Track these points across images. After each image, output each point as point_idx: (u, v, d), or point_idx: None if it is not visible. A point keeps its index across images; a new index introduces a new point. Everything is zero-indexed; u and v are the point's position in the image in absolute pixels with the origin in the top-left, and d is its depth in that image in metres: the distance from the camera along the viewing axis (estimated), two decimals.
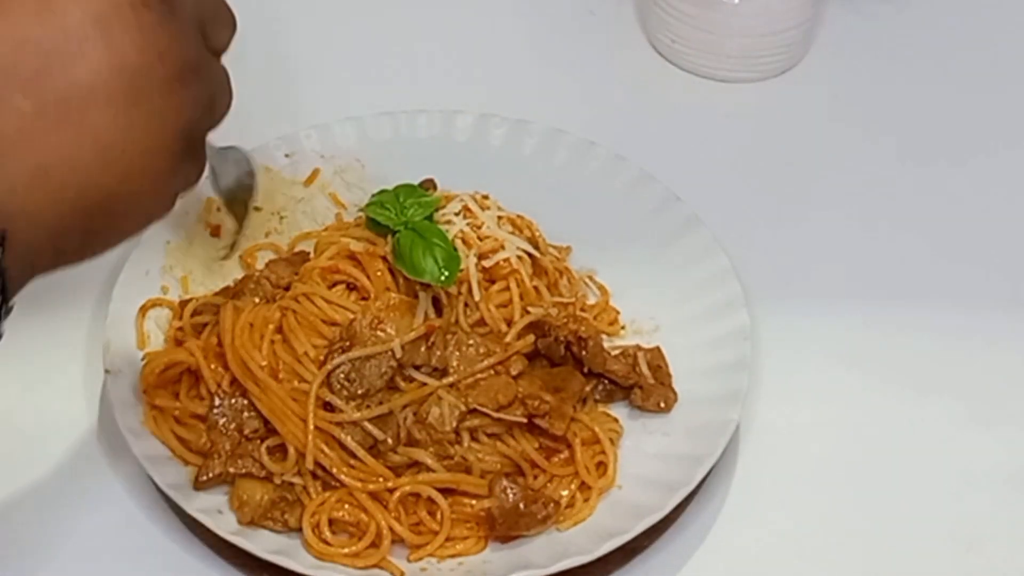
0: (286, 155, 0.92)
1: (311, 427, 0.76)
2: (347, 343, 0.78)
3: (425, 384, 0.78)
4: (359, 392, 0.77)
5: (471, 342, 0.79)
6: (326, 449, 0.76)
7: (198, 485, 0.76)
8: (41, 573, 0.77)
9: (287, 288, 0.83)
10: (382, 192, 0.85)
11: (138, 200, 0.59)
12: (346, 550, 0.75)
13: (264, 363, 0.78)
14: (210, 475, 0.76)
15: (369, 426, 0.76)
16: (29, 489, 0.79)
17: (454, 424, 0.77)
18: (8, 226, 0.54)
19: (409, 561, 0.75)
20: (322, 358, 0.78)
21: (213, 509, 0.76)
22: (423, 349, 0.78)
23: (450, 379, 0.78)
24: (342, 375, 0.77)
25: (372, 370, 0.77)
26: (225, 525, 0.75)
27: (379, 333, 0.78)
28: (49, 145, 0.55)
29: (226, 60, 1.09)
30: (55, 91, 0.55)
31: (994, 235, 0.95)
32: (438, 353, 0.79)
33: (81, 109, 0.55)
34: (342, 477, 0.76)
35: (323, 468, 0.76)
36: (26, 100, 0.54)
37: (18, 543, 0.78)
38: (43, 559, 0.77)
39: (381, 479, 0.76)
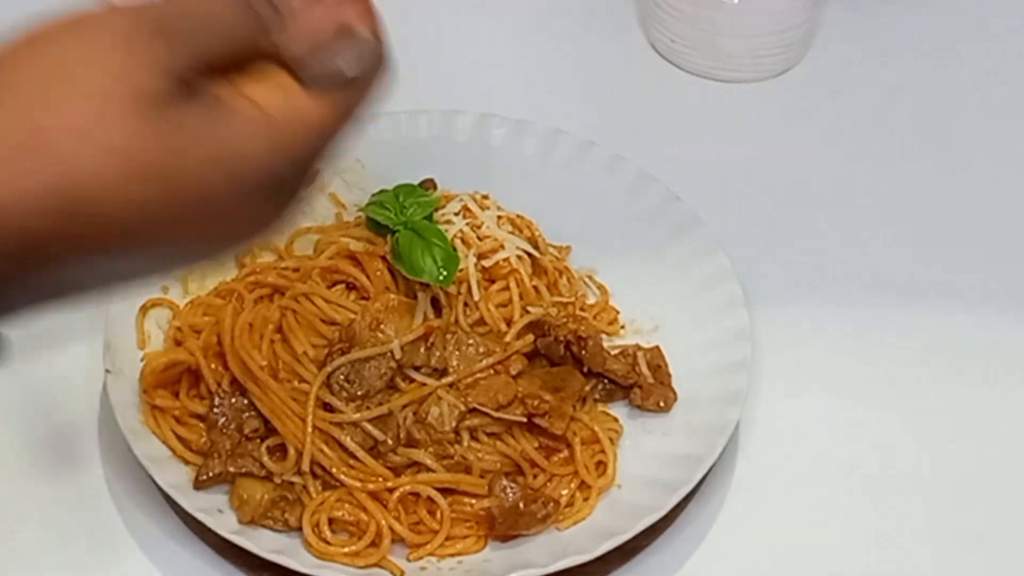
0: None
1: (310, 428, 0.76)
2: (346, 345, 0.78)
3: (425, 384, 0.78)
4: (359, 393, 0.77)
5: (471, 342, 0.79)
6: (326, 449, 0.76)
7: (198, 484, 0.76)
8: (41, 572, 0.77)
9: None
10: (382, 192, 0.85)
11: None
12: (346, 549, 0.75)
13: (264, 363, 0.78)
14: (210, 474, 0.76)
15: (369, 427, 0.76)
16: (29, 489, 0.79)
17: (454, 424, 0.77)
18: None
19: (409, 560, 0.75)
20: (322, 358, 0.78)
21: (213, 508, 0.76)
22: (422, 350, 0.78)
23: (449, 379, 0.78)
24: (342, 376, 0.77)
25: (372, 371, 0.77)
26: (225, 524, 0.75)
27: (378, 334, 0.78)
28: None
29: None
30: None
31: (995, 234, 0.95)
32: (437, 354, 0.79)
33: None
34: (341, 477, 0.76)
35: (323, 468, 0.76)
36: None
37: (18, 542, 0.78)
38: (43, 558, 0.77)
39: (381, 479, 0.76)
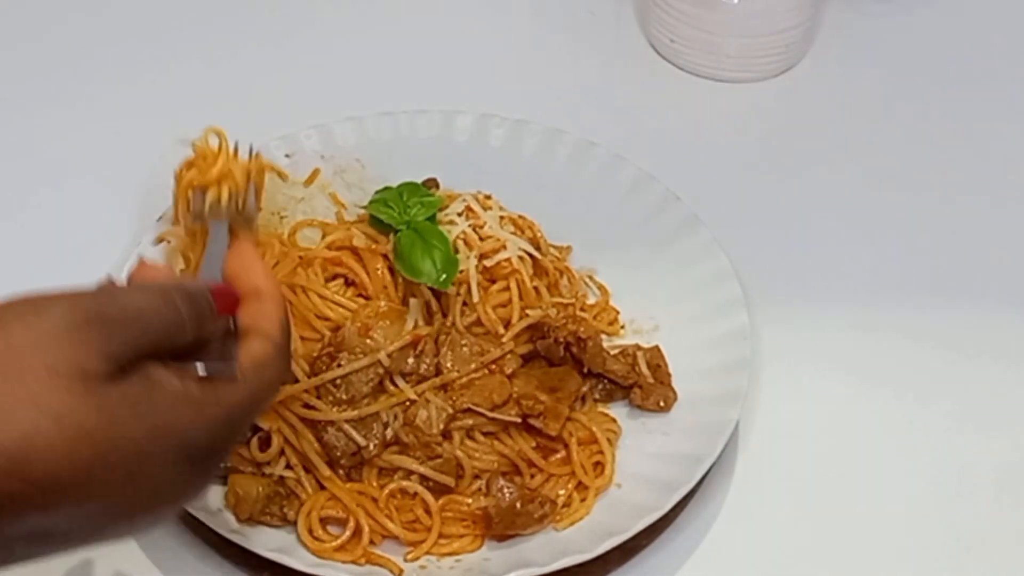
0: (286, 155, 0.92)
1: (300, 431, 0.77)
2: (334, 350, 0.77)
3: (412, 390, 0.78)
4: (344, 398, 0.76)
5: (464, 343, 0.79)
6: (310, 452, 0.76)
7: None
8: (40, 573, 0.77)
9: None
10: (386, 190, 0.85)
11: None
12: (334, 543, 0.74)
13: None
14: None
15: (353, 432, 0.76)
16: None
17: (441, 427, 0.77)
18: None
19: (407, 560, 0.75)
20: (311, 353, 0.78)
21: (213, 507, 0.75)
22: (411, 359, 0.78)
23: (439, 380, 0.78)
24: (329, 382, 0.77)
25: (359, 377, 0.77)
26: (225, 523, 0.75)
27: (367, 341, 0.77)
28: None
29: (225, 62, 1.10)
30: None
31: (995, 236, 0.95)
32: (427, 361, 0.78)
33: None
34: (326, 482, 0.76)
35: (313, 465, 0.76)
36: None
37: None
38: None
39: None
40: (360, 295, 0.81)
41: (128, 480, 0.53)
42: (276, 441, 0.76)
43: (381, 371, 0.77)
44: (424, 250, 0.80)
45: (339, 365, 0.77)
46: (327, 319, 0.79)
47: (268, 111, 0.99)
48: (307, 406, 0.77)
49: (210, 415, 0.56)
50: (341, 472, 0.77)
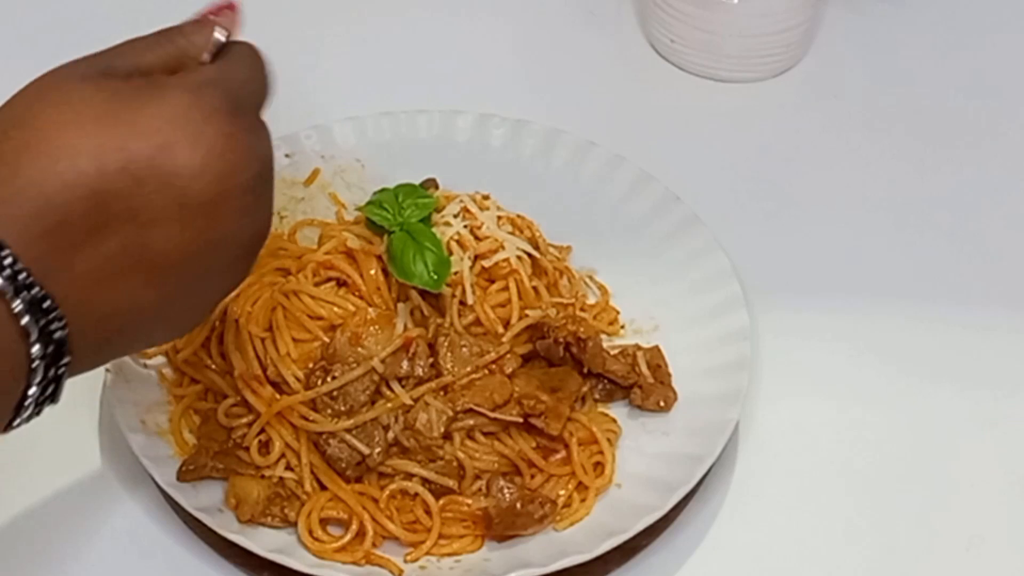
0: (286, 155, 0.92)
1: (304, 443, 0.77)
2: (327, 363, 0.77)
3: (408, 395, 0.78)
4: (343, 409, 0.76)
5: (463, 343, 0.79)
6: (315, 460, 0.76)
7: (181, 476, 0.76)
8: (40, 572, 0.77)
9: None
10: (382, 191, 0.85)
11: None
12: (335, 544, 0.74)
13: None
14: (192, 467, 0.76)
15: (355, 442, 0.76)
16: (29, 489, 0.79)
17: (442, 429, 0.77)
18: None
19: (407, 561, 0.75)
20: (305, 356, 0.78)
21: (214, 508, 0.75)
22: (404, 362, 0.78)
23: (435, 383, 0.78)
24: (325, 395, 0.77)
25: (355, 387, 0.77)
26: (226, 524, 0.75)
27: (359, 349, 0.77)
28: None
29: None
30: None
31: (994, 234, 0.95)
32: (420, 363, 0.78)
33: None
34: (328, 483, 0.76)
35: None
36: None
37: (18, 542, 0.78)
38: (42, 558, 0.77)
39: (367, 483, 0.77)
40: (352, 294, 0.81)
41: (173, 137, 0.59)
42: (278, 446, 0.77)
43: (376, 378, 0.77)
44: (416, 252, 0.79)
45: (333, 377, 0.77)
46: (320, 318, 0.79)
47: (268, 111, 0.98)
48: (304, 419, 0.77)
49: (192, 76, 0.63)
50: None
